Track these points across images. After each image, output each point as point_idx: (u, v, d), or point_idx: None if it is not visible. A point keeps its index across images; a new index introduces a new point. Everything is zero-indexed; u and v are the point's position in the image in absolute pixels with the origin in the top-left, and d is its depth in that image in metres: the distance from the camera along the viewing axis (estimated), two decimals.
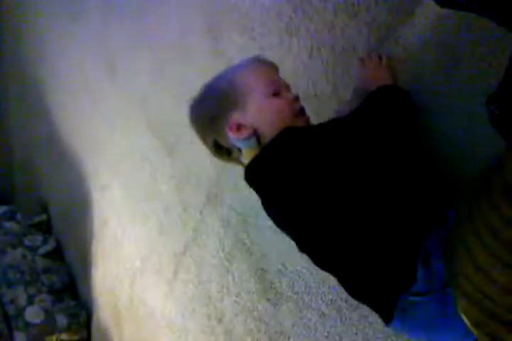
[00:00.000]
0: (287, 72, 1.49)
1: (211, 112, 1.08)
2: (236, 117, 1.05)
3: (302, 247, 1.03)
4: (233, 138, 1.06)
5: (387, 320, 0.91)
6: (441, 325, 0.83)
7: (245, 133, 1.04)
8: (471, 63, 1.02)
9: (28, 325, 3.40)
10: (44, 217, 4.27)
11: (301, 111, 1.09)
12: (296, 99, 1.09)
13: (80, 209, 3.55)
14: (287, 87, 1.12)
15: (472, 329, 0.58)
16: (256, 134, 1.04)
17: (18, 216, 4.21)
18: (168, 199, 2.32)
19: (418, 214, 0.90)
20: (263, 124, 1.05)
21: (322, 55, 1.38)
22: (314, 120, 1.40)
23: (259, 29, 1.60)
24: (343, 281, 0.99)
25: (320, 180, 0.93)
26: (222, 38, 1.79)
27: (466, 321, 0.58)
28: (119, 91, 2.77)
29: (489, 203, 0.53)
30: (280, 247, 1.62)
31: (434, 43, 1.09)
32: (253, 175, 1.06)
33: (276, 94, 1.06)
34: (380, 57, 1.20)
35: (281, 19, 1.50)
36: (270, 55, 1.55)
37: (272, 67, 1.13)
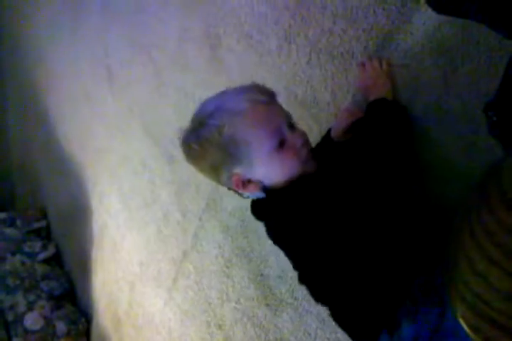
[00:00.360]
0: (286, 78, 1.50)
1: (213, 163, 1.01)
2: (241, 174, 0.99)
3: (301, 279, 1.05)
4: (240, 191, 1.03)
5: None
6: None
7: (253, 189, 1.00)
8: (469, 69, 1.03)
9: (27, 331, 3.39)
10: (43, 223, 4.27)
11: (309, 156, 1.02)
12: (304, 144, 1.01)
13: (79, 215, 3.55)
14: (290, 124, 1.03)
15: (470, 334, 0.58)
16: (264, 187, 1.00)
17: (18, 222, 4.21)
18: (167, 205, 2.32)
19: (406, 260, 0.91)
20: (272, 178, 1.00)
21: (321, 62, 1.38)
22: (313, 127, 1.41)
23: (258, 36, 1.61)
24: (333, 316, 1.01)
25: (325, 224, 0.94)
26: (221, 45, 1.79)
27: (464, 326, 0.58)
28: (118, 97, 2.78)
29: (487, 210, 0.53)
30: (280, 253, 1.61)
31: (432, 49, 1.10)
32: (260, 213, 1.07)
33: (282, 143, 0.98)
34: (380, 62, 1.21)
35: (279, 26, 1.51)
36: (269, 62, 1.56)
37: (270, 104, 1.02)
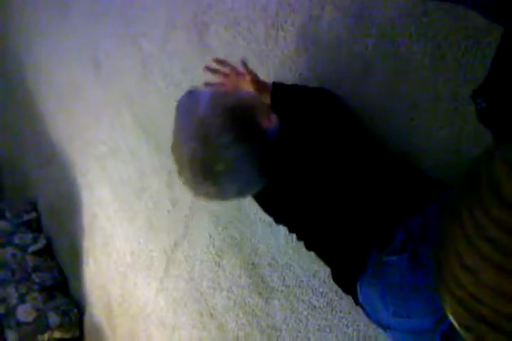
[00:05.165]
0: (274, 66, 1.49)
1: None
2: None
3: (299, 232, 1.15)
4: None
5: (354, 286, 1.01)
6: (411, 286, 0.89)
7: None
8: (456, 54, 1.03)
9: (19, 323, 3.38)
10: (33, 215, 4.24)
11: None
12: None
13: (69, 206, 3.53)
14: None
15: (461, 332, 0.56)
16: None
17: (7, 214, 4.18)
18: (158, 195, 2.31)
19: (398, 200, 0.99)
20: None
21: (308, 49, 1.37)
22: None
23: (245, 23, 1.59)
24: (330, 259, 1.11)
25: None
26: (208, 32, 1.78)
27: (454, 323, 0.57)
28: (106, 87, 2.76)
29: (478, 203, 0.52)
30: (270, 241, 1.62)
31: (420, 35, 1.09)
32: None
33: None
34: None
35: (267, 13, 1.49)
36: (256, 49, 1.55)
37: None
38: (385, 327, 0.99)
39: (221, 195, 1.09)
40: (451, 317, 0.57)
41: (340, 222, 1.03)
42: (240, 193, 1.09)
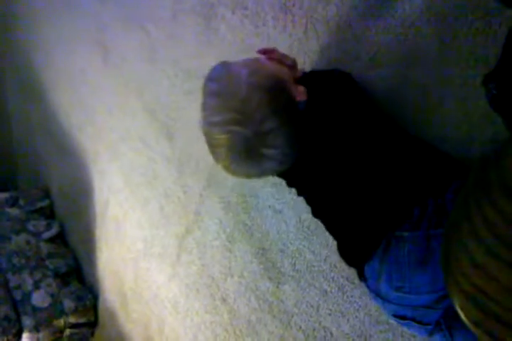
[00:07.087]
0: (282, 49, 1.47)
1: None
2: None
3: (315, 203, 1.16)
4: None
5: (364, 261, 1.02)
6: (418, 264, 0.91)
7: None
8: (467, 36, 1.01)
9: (35, 309, 3.44)
10: (46, 202, 4.28)
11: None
12: None
13: (81, 193, 3.56)
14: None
15: (470, 327, 0.56)
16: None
17: (21, 202, 4.22)
18: (168, 181, 2.32)
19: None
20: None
21: (317, 32, 1.35)
22: None
23: (253, 7, 1.57)
24: (340, 231, 1.11)
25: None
26: (215, 16, 1.76)
27: (464, 319, 0.56)
28: (114, 73, 2.75)
29: (488, 199, 0.51)
30: (281, 227, 1.62)
31: (431, 16, 1.07)
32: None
33: None
34: None
35: None
36: (264, 33, 1.53)
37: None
38: (382, 298, 1.00)
39: (263, 175, 1.08)
40: (459, 312, 0.56)
41: (358, 196, 1.03)
42: (279, 169, 1.09)
